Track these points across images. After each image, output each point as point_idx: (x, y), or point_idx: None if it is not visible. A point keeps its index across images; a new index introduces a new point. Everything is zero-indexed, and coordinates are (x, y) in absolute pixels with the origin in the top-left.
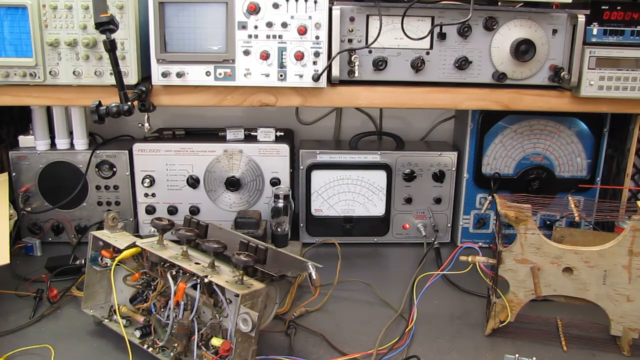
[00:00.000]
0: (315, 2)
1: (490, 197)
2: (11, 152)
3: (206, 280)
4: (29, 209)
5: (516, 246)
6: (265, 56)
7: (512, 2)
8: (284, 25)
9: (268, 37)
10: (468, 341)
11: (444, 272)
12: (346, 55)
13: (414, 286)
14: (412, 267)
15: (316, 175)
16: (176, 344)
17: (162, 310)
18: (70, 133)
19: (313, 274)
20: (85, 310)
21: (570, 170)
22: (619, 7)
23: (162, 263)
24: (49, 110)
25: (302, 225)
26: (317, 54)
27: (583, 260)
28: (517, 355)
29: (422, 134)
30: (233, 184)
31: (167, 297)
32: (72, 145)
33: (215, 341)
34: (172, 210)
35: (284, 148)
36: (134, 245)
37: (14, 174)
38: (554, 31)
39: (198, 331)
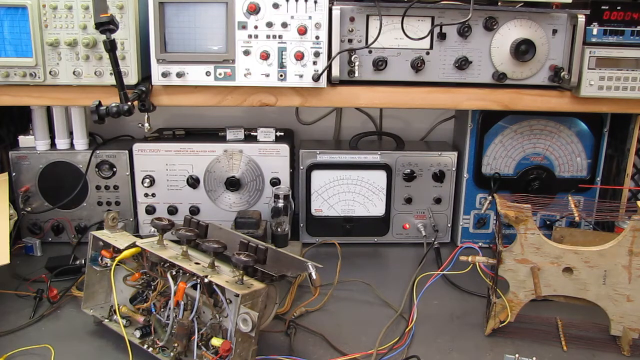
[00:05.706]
0: (315, 2)
1: (490, 197)
2: (11, 152)
3: (206, 280)
4: (29, 209)
5: (516, 246)
6: (265, 56)
7: (512, 2)
8: (284, 25)
9: (268, 37)
10: (468, 341)
11: (444, 272)
12: (346, 55)
13: (414, 286)
14: (412, 267)
15: (316, 175)
16: (176, 344)
17: (162, 310)
18: (70, 133)
19: (313, 274)
20: (85, 310)
21: (570, 170)
22: (619, 7)
23: (162, 263)
24: (49, 110)
25: (302, 225)
26: (317, 54)
27: (583, 260)
28: (517, 355)
29: (422, 134)
30: (233, 184)
31: (167, 297)
32: (72, 145)
33: (215, 341)
34: (172, 210)
35: (284, 148)
36: (134, 245)
37: (14, 174)
38: (554, 31)
39: (198, 331)
